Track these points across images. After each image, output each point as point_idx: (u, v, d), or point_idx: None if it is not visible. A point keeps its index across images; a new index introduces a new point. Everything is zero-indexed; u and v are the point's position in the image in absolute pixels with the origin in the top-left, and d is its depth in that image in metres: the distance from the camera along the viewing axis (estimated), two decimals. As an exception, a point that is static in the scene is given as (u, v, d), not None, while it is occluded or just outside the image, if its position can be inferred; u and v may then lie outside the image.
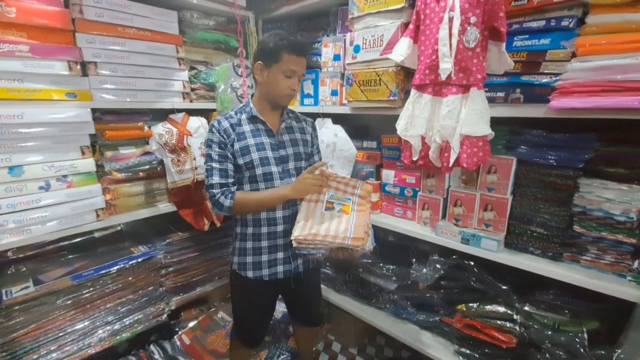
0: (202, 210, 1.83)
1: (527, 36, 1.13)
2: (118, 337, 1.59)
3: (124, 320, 1.62)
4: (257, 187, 1.24)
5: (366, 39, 1.46)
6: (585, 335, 1.14)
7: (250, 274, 1.29)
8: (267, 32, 2.12)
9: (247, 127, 1.24)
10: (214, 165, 1.21)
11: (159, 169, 1.72)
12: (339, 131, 1.72)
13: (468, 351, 1.42)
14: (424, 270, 1.52)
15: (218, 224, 1.86)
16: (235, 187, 1.24)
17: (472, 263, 1.43)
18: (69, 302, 1.45)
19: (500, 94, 1.20)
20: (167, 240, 1.81)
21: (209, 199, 1.24)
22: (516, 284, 1.37)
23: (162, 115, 1.75)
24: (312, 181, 1.20)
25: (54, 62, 1.36)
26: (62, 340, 1.44)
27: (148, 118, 1.70)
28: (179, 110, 1.77)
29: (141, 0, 1.57)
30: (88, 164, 1.49)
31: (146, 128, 1.67)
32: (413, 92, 1.30)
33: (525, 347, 1.28)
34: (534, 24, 1.11)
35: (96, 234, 1.79)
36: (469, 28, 1.13)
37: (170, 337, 1.87)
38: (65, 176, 1.43)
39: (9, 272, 1.49)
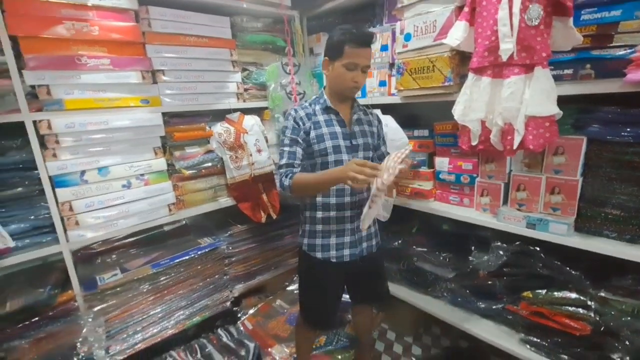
0: (259, 204, 1.92)
1: (595, 9, 1.08)
2: (191, 321, 1.73)
3: (195, 305, 1.76)
4: None
5: (417, 26, 1.46)
6: (672, 322, 1.07)
7: (319, 254, 1.35)
8: (312, 29, 2.17)
9: (321, 117, 1.30)
10: (285, 148, 1.29)
11: (219, 166, 1.84)
12: (390, 121, 1.73)
13: (536, 339, 1.38)
14: (485, 257, 1.49)
15: (274, 216, 1.95)
16: (299, 169, 1.27)
17: (537, 249, 1.39)
18: (149, 287, 1.60)
19: (568, 71, 1.15)
20: (229, 232, 1.93)
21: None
22: (587, 270, 1.30)
23: (220, 115, 1.87)
24: (356, 167, 1.04)
25: (130, 73, 1.50)
26: (145, 322, 1.59)
27: (208, 119, 1.82)
28: (235, 110, 1.88)
29: (197, 9, 1.68)
30: (160, 163, 1.63)
31: (207, 128, 1.79)
32: (470, 75, 1.28)
33: (601, 335, 1.22)
34: (603, -5, 1.06)
35: (165, 228, 1.96)
36: (530, 5, 1.09)
37: (234, 322, 2.00)
38: (142, 175, 1.58)
39: (97, 262, 1.68)
